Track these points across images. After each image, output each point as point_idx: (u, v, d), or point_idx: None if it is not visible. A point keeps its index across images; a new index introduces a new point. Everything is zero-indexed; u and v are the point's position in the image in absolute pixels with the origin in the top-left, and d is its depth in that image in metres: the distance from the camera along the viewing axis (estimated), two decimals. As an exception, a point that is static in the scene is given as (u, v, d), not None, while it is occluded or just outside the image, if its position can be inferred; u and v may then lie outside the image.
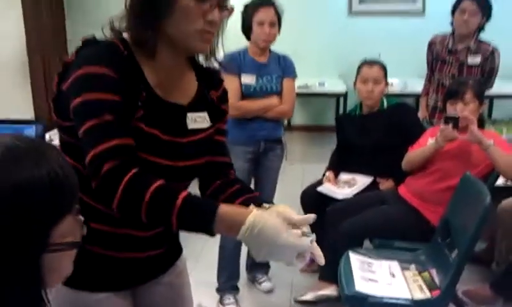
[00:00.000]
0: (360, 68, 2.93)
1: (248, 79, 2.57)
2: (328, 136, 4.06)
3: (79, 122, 1.06)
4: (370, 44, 5.19)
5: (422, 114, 3.51)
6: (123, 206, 1.03)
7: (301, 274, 3.01)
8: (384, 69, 2.91)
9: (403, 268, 2.26)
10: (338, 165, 3.00)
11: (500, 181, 2.90)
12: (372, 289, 2.06)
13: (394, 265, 2.27)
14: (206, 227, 1.02)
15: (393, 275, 2.20)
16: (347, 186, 2.83)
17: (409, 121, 2.88)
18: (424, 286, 2.15)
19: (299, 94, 3.63)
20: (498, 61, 3.30)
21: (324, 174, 2.98)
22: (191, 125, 1.21)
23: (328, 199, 2.77)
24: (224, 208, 1.02)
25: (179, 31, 1.12)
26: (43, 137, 2.67)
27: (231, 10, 1.17)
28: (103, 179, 1.03)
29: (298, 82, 2.84)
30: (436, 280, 2.17)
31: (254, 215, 0.99)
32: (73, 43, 6.33)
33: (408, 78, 5.16)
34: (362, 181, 2.84)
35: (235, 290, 2.75)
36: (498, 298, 2.57)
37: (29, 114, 5.05)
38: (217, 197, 1.24)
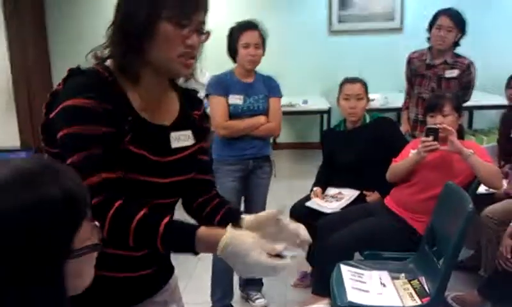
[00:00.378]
0: (342, 85, 3.03)
1: (236, 100, 2.65)
2: (314, 152, 4.16)
3: (67, 154, 1.11)
4: (351, 61, 5.34)
5: (404, 127, 3.62)
6: (113, 237, 1.10)
7: (294, 290, 3.06)
8: (365, 86, 3.01)
9: (393, 278, 2.32)
10: (325, 180, 3.08)
11: (483, 189, 3.00)
12: (364, 299, 2.12)
13: (384, 275, 2.33)
14: (188, 249, 1.11)
15: (384, 285, 2.26)
16: (335, 200, 2.91)
17: (391, 134, 2.97)
18: (414, 294, 2.21)
19: (284, 113, 3.71)
20: (475, 74, 3.43)
21: (311, 190, 3.06)
22: (175, 144, 1.27)
23: (316, 214, 2.83)
24: (202, 231, 1.10)
25: (161, 56, 1.17)
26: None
27: (207, 34, 1.21)
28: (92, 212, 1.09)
29: (283, 101, 2.93)
30: (426, 287, 2.24)
31: (227, 236, 1.07)
32: (57, 72, 6.41)
33: (388, 93, 5.30)
34: (349, 194, 2.92)
35: (229, 307, 2.78)
36: (486, 302, 2.64)
37: (16, 141, 5.07)
38: (200, 214, 1.34)
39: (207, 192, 1.38)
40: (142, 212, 1.11)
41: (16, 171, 0.76)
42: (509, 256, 2.47)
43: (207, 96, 2.69)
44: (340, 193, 2.96)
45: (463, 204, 2.15)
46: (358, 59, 5.70)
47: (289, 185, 4.49)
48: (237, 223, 1.20)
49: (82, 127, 1.10)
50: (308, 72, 6.10)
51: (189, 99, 1.36)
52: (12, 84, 5.34)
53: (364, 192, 2.94)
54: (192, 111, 1.35)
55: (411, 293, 2.21)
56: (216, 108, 2.66)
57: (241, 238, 1.07)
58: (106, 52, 1.20)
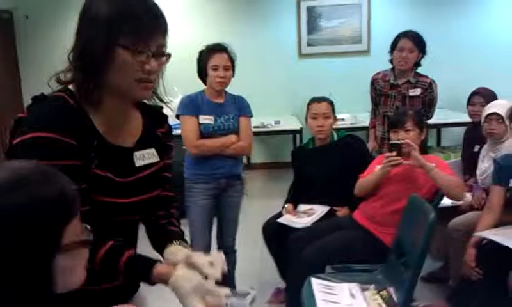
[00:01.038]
0: (309, 104, 3.13)
1: (206, 119, 2.72)
2: (287, 172, 4.22)
3: None
4: (321, 83, 5.49)
5: (371, 144, 3.73)
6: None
7: (269, 306, 3.10)
8: (332, 104, 3.11)
9: (363, 289, 2.38)
10: (296, 197, 3.15)
11: (448, 202, 3.11)
12: (334, 310, 2.18)
13: (354, 287, 2.39)
14: (146, 282, 1.25)
15: (353, 296, 2.31)
16: (306, 215, 2.97)
17: (358, 150, 3.08)
18: (383, 304, 2.27)
19: (256, 133, 3.81)
20: (437, 92, 3.59)
21: (283, 207, 3.12)
22: (139, 162, 1.32)
23: (288, 230, 2.89)
24: (158, 269, 1.22)
25: (119, 82, 1.19)
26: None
27: (168, 57, 1.23)
28: None
29: (255, 122, 3.01)
30: (394, 297, 2.30)
31: (175, 276, 1.20)
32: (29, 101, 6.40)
33: (357, 113, 5.45)
34: (320, 210, 2.99)
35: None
36: (454, 310, 2.73)
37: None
38: (154, 225, 1.42)
39: (167, 208, 1.44)
40: (104, 248, 1.20)
41: (16, 173, 0.85)
42: (473, 265, 2.56)
43: (177, 116, 2.75)
44: (311, 209, 3.03)
45: (426, 214, 2.24)
46: (327, 80, 5.87)
47: (263, 204, 4.55)
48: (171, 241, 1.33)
49: (46, 162, 1.11)
50: (280, 93, 6.24)
51: (153, 117, 1.39)
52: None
53: (334, 207, 3.02)
54: (156, 129, 1.39)
55: (379, 304, 2.27)
56: (187, 128, 2.72)
57: (183, 282, 1.18)
58: (69, 75, 1.22)
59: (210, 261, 1.22)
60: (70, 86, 1.22)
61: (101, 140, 1.23)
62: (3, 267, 0.79)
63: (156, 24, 1.19)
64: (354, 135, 3.28)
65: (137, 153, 1.32)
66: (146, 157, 1.34)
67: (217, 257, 1.25)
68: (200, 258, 1.23)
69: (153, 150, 1.36)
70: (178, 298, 1.19)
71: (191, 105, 2.73)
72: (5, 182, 0.82)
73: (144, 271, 1.23)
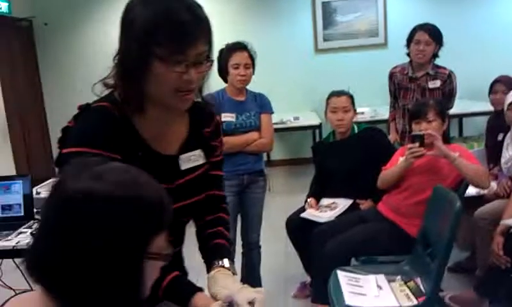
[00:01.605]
0: (328, 99, 3.13)
1: (228, 117, 2.74)
2: (307, 167, 4.23)
3: None
4: (339, 77, 5.48)
5: (392, 136, 3.72)
6: None
7: (294, 300, 3.11)
8: (351, 98, 3.11)
9: (389, 280, 2.38)
10: (319, 191, 3.16)
11: (473, 191, 3.09)
12: (361, 302, 2.18)
13: (381, 278, 2.39)
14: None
15: (380, 288, 2.32)
16: (329, 210, 2.97)
17: (380, 142, 3.06)
18: (411, 294, 2.27)
19: (276, 130, 3.81)
20: (456, 83, 3.56)
21: (305, 201, 3.13)
22: (185, 166, 1.28)
23: (311, 224, 2.89)
24: (197, 299, 1.21)
25: (157, 92, 1.15)
26: (31, 191, 2.78)
27: (210, 63, 1.16)
28: None
29: (274, 119, 3.02)
30: (422, 287, 2.30)
31: None
32: (50, 105, 6.48)
33: (377, 106, 5.43)
34: (343, 203, 2.99)
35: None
36: (482, 300, 2.70)
37: (11, 172, 5.15)
38: (200, 233, 1.41)
39: (215, 210, 1.42)
40: None
41: (128, 171, 0.89)
42: (501, 253, 2.54)
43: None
44: (334, 203, 3.03)
45: (451, 204, 2.22)
46: (345, 74, 5.85)
47: (284, 200, 4.57)
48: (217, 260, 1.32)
49: None
50: (298, 89, 6.25)
51: (200, 115, 1.33)
52: (6, 121, 5.47)
53: (357, 200, 3.02)
54: (203, 129, 1.34)
55: (407, 294, 2.27)
56: None
57: None
58: (112, 80, 1.20)
59: (250, 301, 1.17)
60: (115, 92, 1.20)
61: (146, 150, 1.21)
62: (100, 253, 0.81)
63: (196, 32, 1.11)
64: (375, 127, 3.26)
65: (183, 156, 1.28)
66: (192, 159, 1.30)
67: (259, 294, 1.20)
68: (240, 295, 1.18)
69: (199, 151, 1.31)
70: None
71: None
72: (104, 171, 0.85)
73: (183, 298, 1.23)
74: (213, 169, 1.38)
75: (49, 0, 6.33)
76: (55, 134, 6.49)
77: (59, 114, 6.45)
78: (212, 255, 1.34)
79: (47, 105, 6.47)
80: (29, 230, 2.50)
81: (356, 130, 3.12)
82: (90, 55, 6.29)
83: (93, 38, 6.35)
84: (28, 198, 2.67)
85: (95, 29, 6.36)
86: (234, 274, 1.33)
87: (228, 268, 1.31)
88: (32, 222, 2.60)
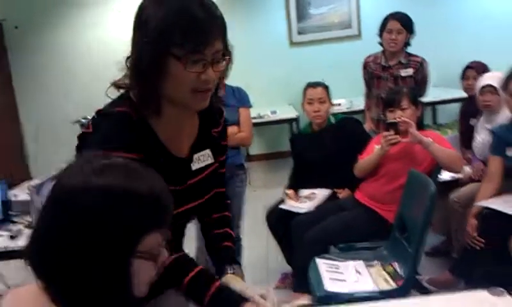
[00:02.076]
0: (305, 90, 3.16)
1: None
2: (286, 161, 4.25)
3: None
4: (314, 70, 5.50)
5: (368, 125, 3.77)
6: (163, 284, 1.14)
7: (276, 291, 3.13)
8: (327, 89, 3.14)
9: (368, 266, 2.43)
10: (297, 182, 3.19)
11: (448, 176, 3.16)
12: (341, 287, 2.22)
13: (359, 264, 2.44)
14: None
15: (359, 273, 2.36)
16: (308, 200, 3.01)
17: (356, 132, 3.11)
18: (389, 278, 2.32)
19: (254, 124, 3.81)
20: (428, 71, 3.63)
21: (285, 193, 3.16)
22: (195, 166, 1.28)
23: (291, 215, 2.93)
24: None
25: (174, 93, 1.12)
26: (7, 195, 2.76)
27: (228, 60, 1.14)
28: None
29: (252, 113, 3.04)
30: (399, 271, 2.35)
31: None
32: (23, 107, 6.38)
33: (353, 97, 5.47)
34: (321, 194, 3.03)
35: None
36: (459, 281, 2.76)
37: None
38: (206, 231, 1.43)
39: (221, 208, 1.45)
40: (193, 272, 1.21)
41: (113, 161, 0.88)
42: (474, 235, 2.61)
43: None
44: (312, 193, 3.07)
45: (426, 187, 2.28)
46: (320, 67, 5.88)
47: (264, 194, 4.57)
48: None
49: None
50: (274, 83, 6.26)
51: (209, 115, 1.31)
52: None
53: (335, 190, 3.06)
54: (211, 129, 1.33)
55: (385, 278, 2.32)
56: None
57: None
58: (127, 81, 1.16)
59: (262, 293, 1.23)
60: (131, 93, 1.18)
61: (165, 153, 1.20)
62: (90, 247, 0.81)
63: (212, 30, 1.08)
64: (351, 117, 3.31)
65: (194, 157, 1.28)
66: (201, 159, 1.29)
67: (270, 291, 1.25)
68: (250, 290, 1.25)
69: (208, 151, 1.31)
70: None
71: None
72: (105, 165, 0.86)
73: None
74: (220, 167, 1.39)
75: (19, 4, 6.23)
76: (29, 136, 6.44)
77: (33, 116, 6.40)
78: (222, 260, 1.38)
79: (20, 107, 6.38)
80: (6, 233, 2.48)
81: (332, 121, 3.16)
82: (62, 57, 6.27)
83: (65, 40, 6.30)
84: (4, 203, 2.66)
85: (67, 31, 6.31)
86: (243, 276, 1.39)
87: (238, 275, 1.36)
88: (9, 224, 2.59)
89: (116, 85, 1.18)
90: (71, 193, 0.82)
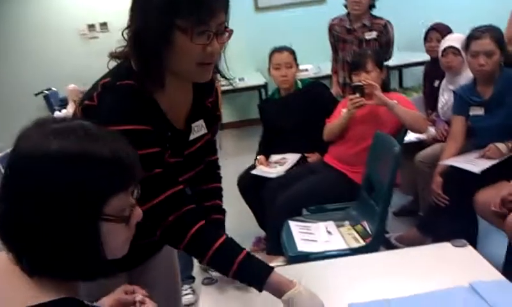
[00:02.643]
0: (271, 56, 3.16)
1: None
2: (257, 128, 4.27)
3: None
4: (281, 35, 5.45)
5: (334, 90, 3.80)
6: (188, 252, 1.19)
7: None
8: (293, 53, 3.15)
9: (338, 226, 2.50)
10: (268, 148, 3.22)
11: (414, 137, 3.24)
12: (313, 247, 2.28)
13: (330, 225, 2.50)
14: (255, 287, 1.20)
15: (330, 233, 2.42)
16: (279, 165, 3.05)
17: (323, 96, 3.15)
18: (358, 237, 2.40)
19: (223, 92, 3.81)
20: (393, 33, 3.65)
21: (255, 159, 3.19)
22: (192, 136, 1.29)
23: (262, 181, 2.97)
24: (272, 278, 1.17)
25: (179, 66, 1.12)
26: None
27: (230, 33, 1.14)
28: (169, 228, 1.14)
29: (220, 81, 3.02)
30: (368, 229, 2.42)
31: (292, 294, 1.16)
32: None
33: (320, 62, 5.49)
34: (291, 158, 3.07)
35: (190, 279, 2.87)
36: (425, 238, 2.87)
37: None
38: (198, 203, 1.42)
39: (213, 177, 1.46)
40: (220, 240, 1.18)
41: (71, 124, 0.85)
42: (440, 192, 2.70)
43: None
44: (283, 158, 3.11)
45: (391, 148, 2.34)
46: (287, 32, 5.84)
47: (236, 161, 4.59)
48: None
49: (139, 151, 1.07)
50: (241, 50, 6.19)
51: (203, 86, 1.31)
52: None
53: (305, 154, 3.11)
54: (205, 99, 1.33)
55: (355, 237, 2.39)
56: None
57: (306, 301, 1.16)
58: (125, 50, 1.15)
59: None
60: (132, 64, 1.16)
61: (171, 128, 1.22)
62: (53, 212, 0.79)
63: (216, 1, 1.09)
64: (318, 81, 3.33)
65: (192, 126, 1.28)
66: (195, 130, 1.30)
67: None
68: None
69: (201, 121, 1.31)
70: None
71: None
72: (60, 129, 0.83)
73: (259, 277, 1.19)
74: (212, 136, 1.40)
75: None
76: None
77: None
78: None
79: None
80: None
81: (300, 86, 3.18)
82: (20, 27, 6.06)
83: (21, 9, 6.08)
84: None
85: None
86: None
87: None
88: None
89: (114, 56, 1.17)
90: (26, 159, 0.81)
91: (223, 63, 1.26)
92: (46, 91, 5.17)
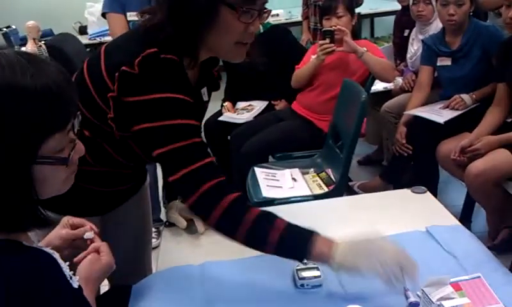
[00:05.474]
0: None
1: (134, 16, 2.56)
2: (223, 74, 4.21)
3: (159, 143, 1.08)
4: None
5: (305, 36, 3.75)
6: (219, 227, 1.09)
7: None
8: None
9: (303, 173, 2.51)
10: (234, 95, 3.17)
11: (381, 86, 3.24)
12: (277, 193, 2.29)
13: (295, 172, 2.51)
14: (298, 260, 1.11)
15: (295, 180, 2.43)
16: (246, 112, 3.02)
17: (286, 40, 3.08)
18: (322, 184, 2.42)
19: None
20: None
21: (222, 106, 3.14)
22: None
23: (229, 127, 2.94)
24: (315, 250, 1.05)
25: (219, 43, 1.12)
26: None
27: (268, 13, 1.15)
28: (202, 197, 1.07)
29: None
30: (332, 177, 2.44)
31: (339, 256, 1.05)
32: None
33: (291, 8, 5.37)
34: (259, 105, 3.05)
35: (158, 222, 2.82)
36: (387, 186, 2.93)
37: None
38: None
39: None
40: (255, 213, 1.07)
41: (8, 60, 0.76)
42: (404, 142, 2.73)
43: (103, 15, 2.59)
44: (250, 105, 3.08)
45: (358, 96, 2.33)
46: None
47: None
48: None
49: (179, 120, 1.08)
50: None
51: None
52: None
53: (272, 101, 3.08)
54: (211, 68, 1.32)
55: (319, 184, 2.41)
56: (114, 27, 2.55)
57: (356, 257, 1.05)
58: (155, 21, 1.11)
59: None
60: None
61: (199, 98, 1.24)
62: None
63: None
64: (278, 25, 3.24)
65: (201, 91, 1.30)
66: (203, 97, 1.32)
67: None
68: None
69: (205, 89, 1.31)
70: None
71: (116, 1, 2.50)
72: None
73: (300, 249, 1.07)
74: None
75: None
76: None
77: None
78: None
79: None
80: None
81: (261, 30, 3.09)
82: None
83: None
84: None
85: None
86: None
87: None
88: None
89: (146, 27, 1.12)
90: None
91: None
92: (5, 29, 4.92)
